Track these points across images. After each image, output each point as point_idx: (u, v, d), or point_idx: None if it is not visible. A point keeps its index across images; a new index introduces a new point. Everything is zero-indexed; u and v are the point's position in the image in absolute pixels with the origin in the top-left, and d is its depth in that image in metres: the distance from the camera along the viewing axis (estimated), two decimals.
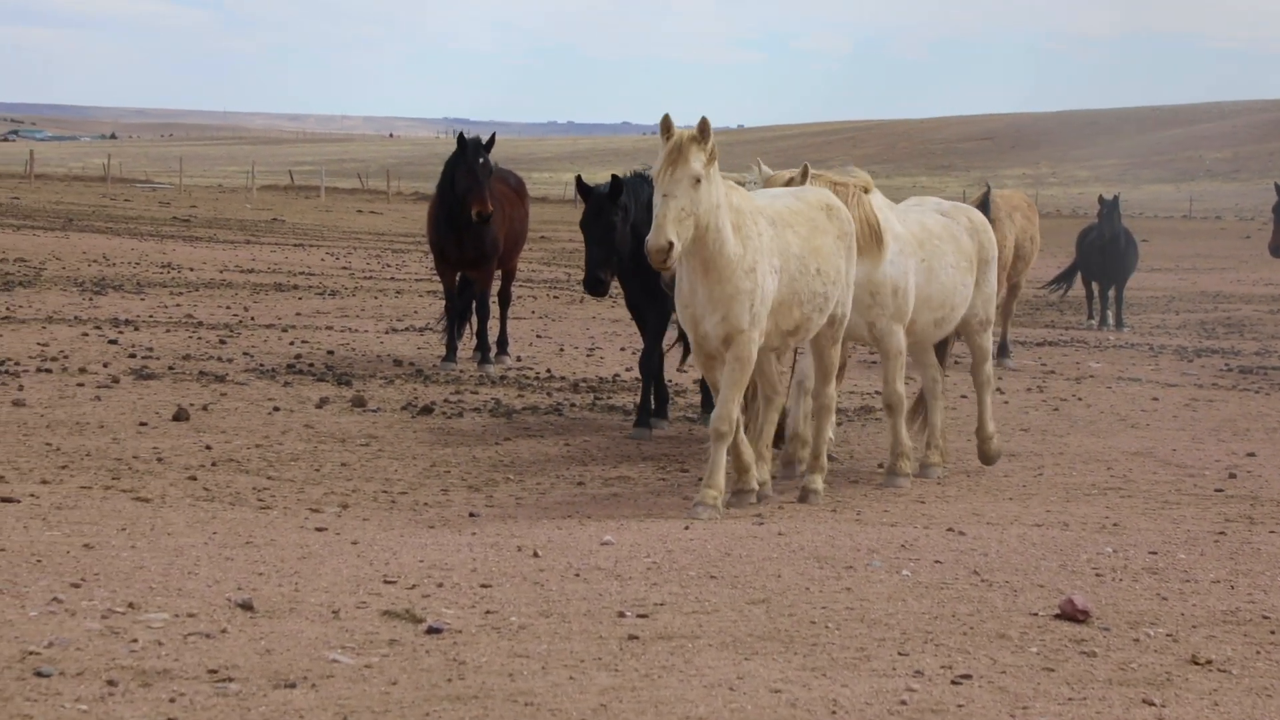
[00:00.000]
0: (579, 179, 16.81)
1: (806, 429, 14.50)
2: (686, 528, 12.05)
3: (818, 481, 13.74)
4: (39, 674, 7.65)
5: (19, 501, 11.83)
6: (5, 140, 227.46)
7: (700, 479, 13.08)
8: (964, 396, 21.14)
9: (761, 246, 12.51)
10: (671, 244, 11.80)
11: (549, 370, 22.41)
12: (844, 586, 10.16)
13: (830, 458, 14.89)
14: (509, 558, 10.77)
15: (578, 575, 10.30)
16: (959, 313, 14.96)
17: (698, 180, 12.02)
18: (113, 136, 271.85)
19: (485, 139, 21.22)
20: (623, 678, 8.07)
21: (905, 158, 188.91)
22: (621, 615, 9.24)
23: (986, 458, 15.60)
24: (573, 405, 18.89)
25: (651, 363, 17.11)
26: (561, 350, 25.05)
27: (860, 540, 11.66)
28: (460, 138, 21.07)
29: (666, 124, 12.26)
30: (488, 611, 9.28)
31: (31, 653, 7.98)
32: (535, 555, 10.84)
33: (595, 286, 15.73)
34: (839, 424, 18.15)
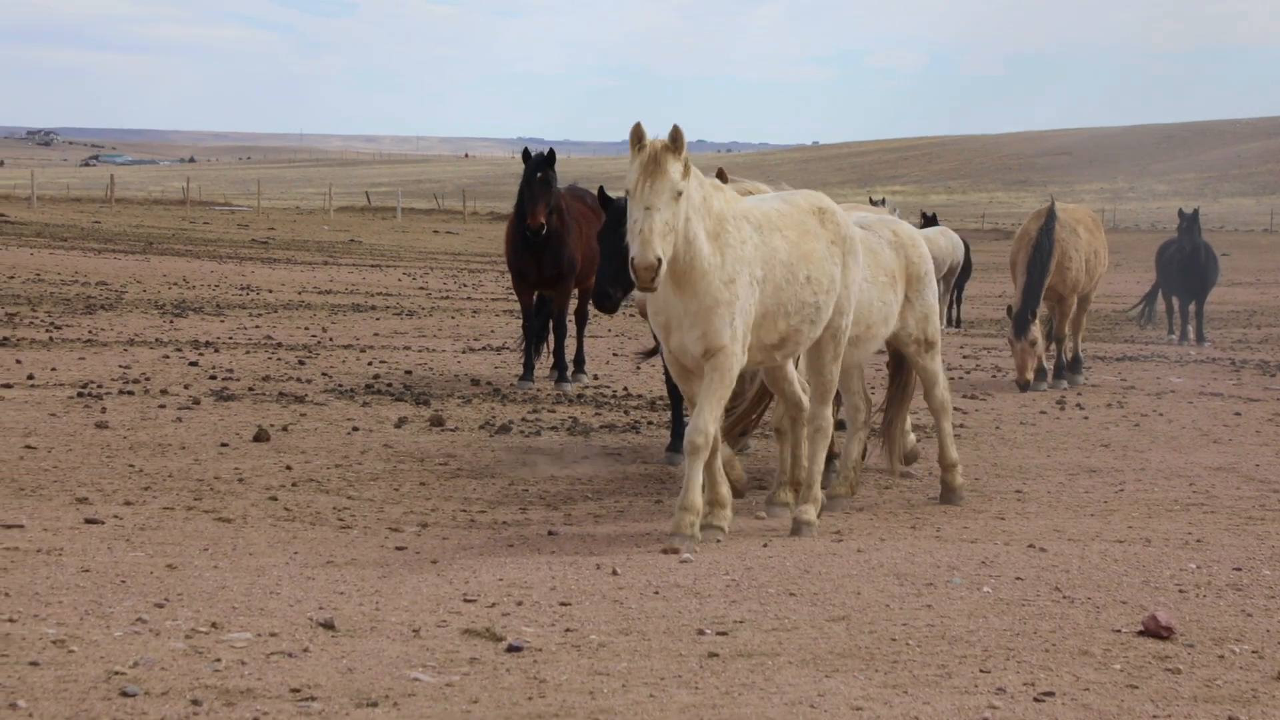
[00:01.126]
0: (600, 190, 16.45)
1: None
2: (765, 545, 12.03)
3: (810, 512, 12.82)
4: (124, 694, 7.72)
5: (103, 523, 11.94)
6: (87, 165, 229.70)
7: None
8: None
9: (743, 255, 11.76)
10: (660, 260, 11.06)
11: (625, 388, 22.43)
12: (924, 603, 10.11)
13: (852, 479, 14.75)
14: (588, 575, 10.78)
15: (657, 593, 10.30)
16: (878, 330, 13.85)
17: (679, 193, 11.31)
18: (191, 160, 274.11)
19: (546, 153, 21.17)
20: (703, 695, 8.06)
21: (981, 173, 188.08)
22: (701, 633, 9.24)
23: (949, 489, 14.44)
24: (649, 423, 18.90)
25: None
26: (638, 368, 25.08)
27: (940, 557, 11.61)
28: (525, 154, 21.04)
29: (638, 134, 11.50)
30: (567, 629, 9.29)
31: (117, 672, 8.05)
32: (614, 573, 10.85)
33: (603, 302, 14.69)
34: (917, 440, 18.07)
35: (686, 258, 11.45)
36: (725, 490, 12.37)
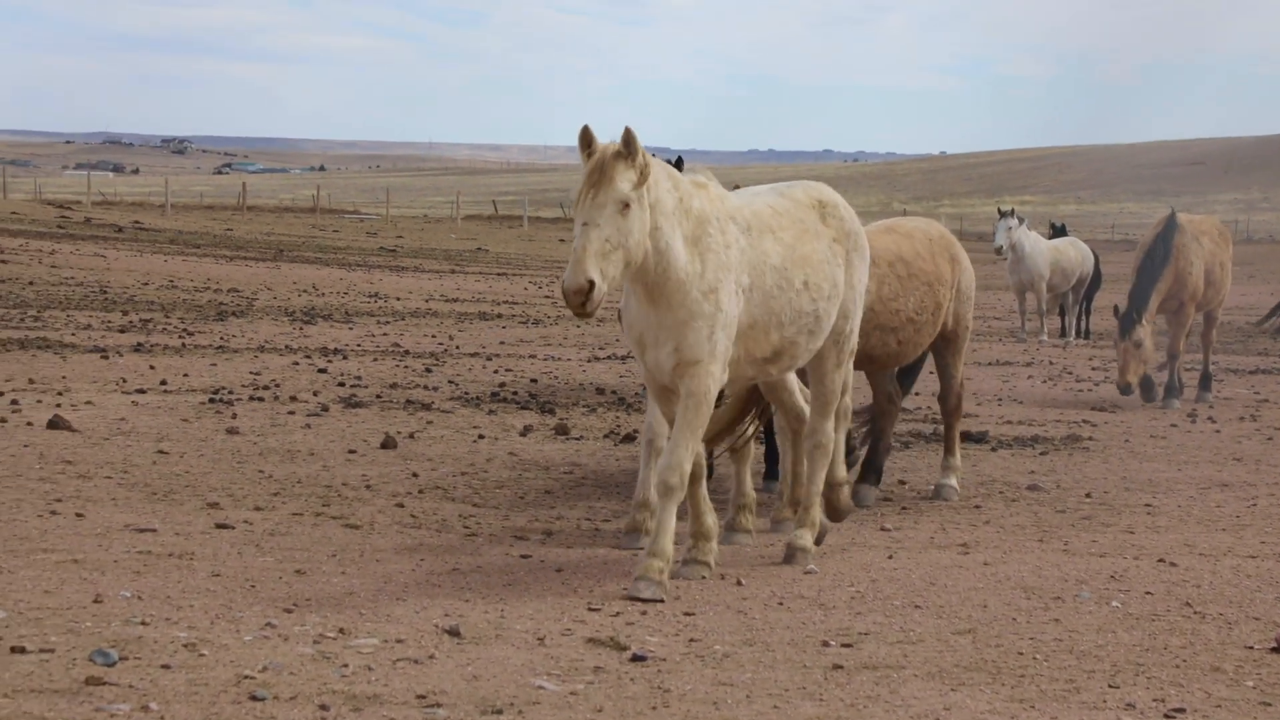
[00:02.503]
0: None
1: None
2: (890, 557, 11.97)
3: (806, 538, 11.76)
4: (254, 698, 7.80)
5: (234, 528, 12.08)
6: (219, 173, 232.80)
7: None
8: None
9: (728, 260, 10.50)
10: (592, 283, 9.76)
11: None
12: (1052, 617, 10.02)
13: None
14: (712, 585, 10.78)
15: (781, 604, 10.29)
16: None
17: (626, 205, 10.01)
18: (322, 168, 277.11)
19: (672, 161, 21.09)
20: (828, 708, 8.03)
21: (1113, 183, 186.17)
22: (826, 644, 9.20)
23: (833, 509, 12.54)
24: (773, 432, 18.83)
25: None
26: None
27: (1068, 571, 11.50)
28: None
29: (586, 138, 10.26)
30: (691, 639, 9.29)
31: (246, 676, 8.14)
32: (739, 583, 10.84)
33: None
34: (1044, 453, 17.92)
35: (659, 268, 10.27)
36: (710, 521, 11.07)
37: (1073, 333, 35.60)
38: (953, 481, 15.00)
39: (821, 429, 11.81)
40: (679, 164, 13.94)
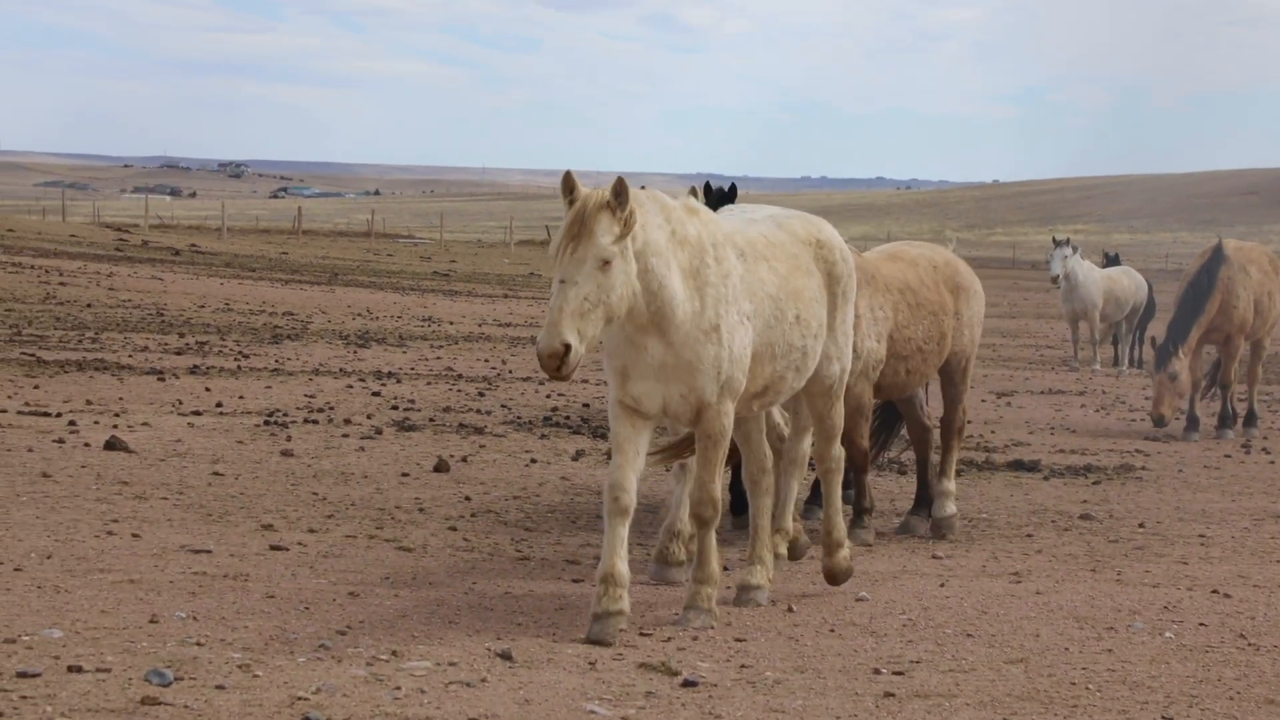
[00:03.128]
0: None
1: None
2: (942, 585, 11.95)
3: (841, 555, 11.55)
4: (307, 719, 7.85)
5: (288, 549, 12.15)
6: (275, 197, 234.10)
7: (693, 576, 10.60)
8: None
9: (725, 293, 9.90)
10: (568, 346, 9.15)
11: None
12: (1105, 648, 10.00)
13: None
14: (763, 612, 10.79)
15: (832, 631, 10.29)
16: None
17: (606, 262, 9.35)
18: (376, 193, 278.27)
19: (727, 188, 21.01)
20: None
21: (1166, 212, 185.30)
22: (877, 672, 9.20)
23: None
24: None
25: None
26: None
27: (1121, 601, 11.46)
28: (705, 188, 20.91)
29: (569, 184, 9.60)
30: (743, 666, 9.30)
31: (300, 698, 8.19)
32: (790, 610, 10.85)
33: None
34: (1097, 482, 17.86)
35: (653, 309, 9.66)
36: (715, 567, 10.48)
37: (1126, 362, 35.44)
38: (949, 508, 14.58)
39: (829, 454, 11.48)
40: (733, 192, 13.88)
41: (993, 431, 22.08)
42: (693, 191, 13.38)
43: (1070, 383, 31.24)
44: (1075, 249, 35.26)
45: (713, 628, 10.09)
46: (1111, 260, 39.07)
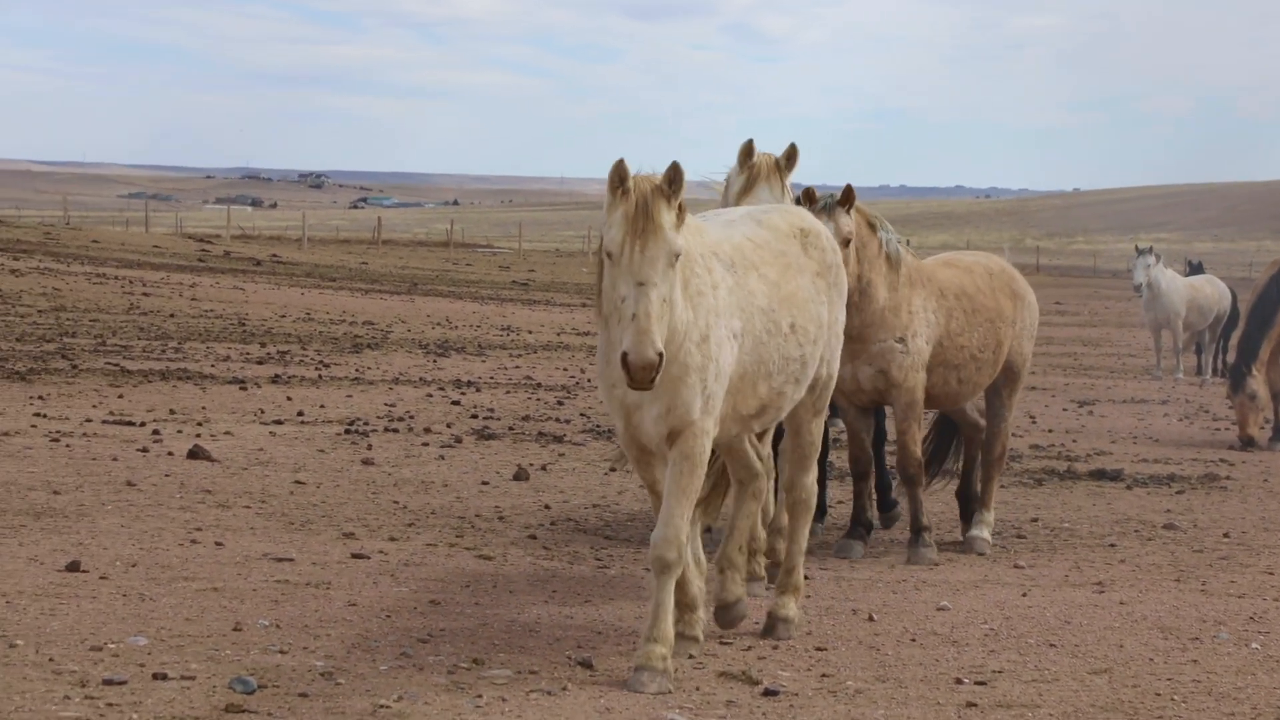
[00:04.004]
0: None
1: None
2: (1024, 594, 11.88)
3: (790, 606, 10.33)
4: None
5: (369, 558, 12.21)
6: (355, 207, 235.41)
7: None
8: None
9: (716, 304, 9.06)
10: (661, 356, 8.38)
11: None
12: (1190, 659, 9.91)
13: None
14: (844, 621, 10.76)
15: (914, 640, 10.24)
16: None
17: (677, 256, 8.62)
18: (455, 203, 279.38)
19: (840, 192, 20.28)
20: None
21: (1249, 220, 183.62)
22: (959, 682, 9.16)
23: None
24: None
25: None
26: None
27: (1206, 611, 11.36)
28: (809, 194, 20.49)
29: (620, 174, 8.72)
30: (823, 675, 9.28)
31: (382, 706, 8.23)
32: (870, 619, 10.81)
33: None
34: (1181, 492, 17.70)
35: None
36: (696, 589, 9.70)
37: (1209, 371, 35.13)
38: (985, 534, 14.12)
39: (801, 484, 10.36)
40: (849, 194, 13.50)
41: (1075, 440, 21.94)
42: (808, 195, 13.11)
43: (1153, 391, 31.00)
44: (1158, 257, 35.00)
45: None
46: (1195, 269, 38.76)
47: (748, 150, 10.95)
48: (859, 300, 12.94)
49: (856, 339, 13.10)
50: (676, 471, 8.97)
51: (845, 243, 12.88)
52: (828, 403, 10.45)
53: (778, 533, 11.86)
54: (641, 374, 8.33)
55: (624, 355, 8.34)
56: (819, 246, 10.07)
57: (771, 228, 9.94)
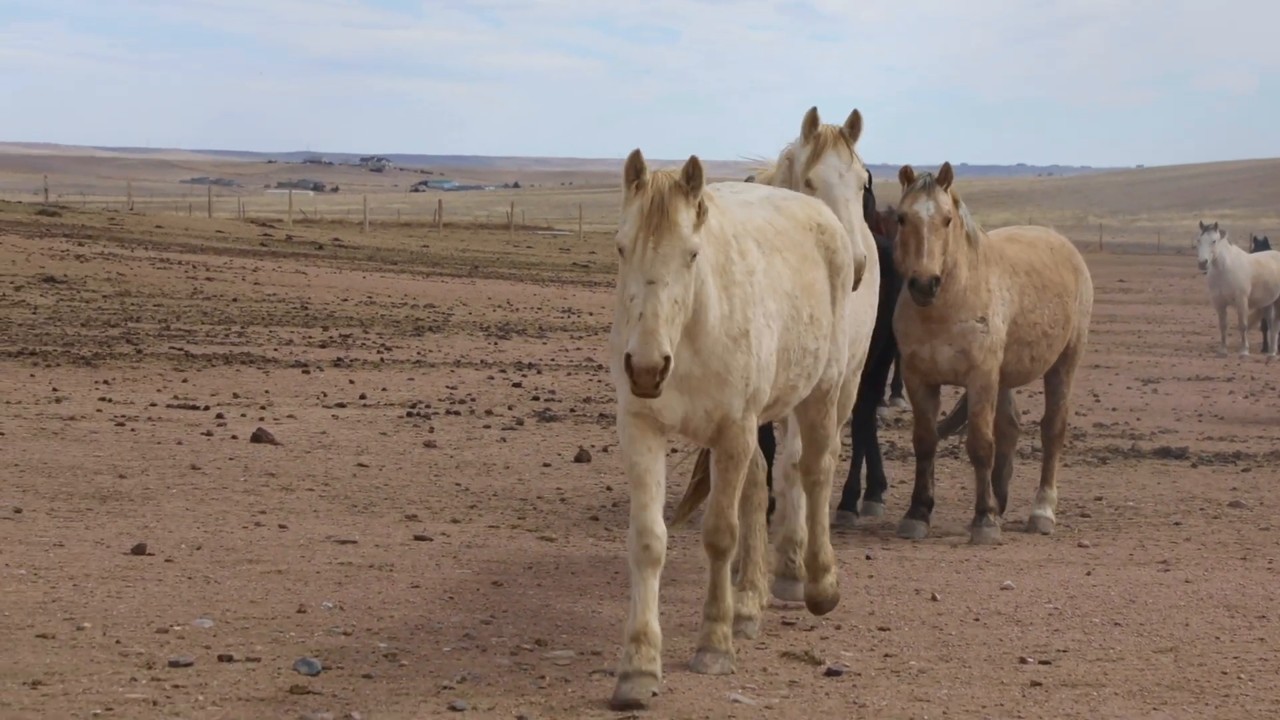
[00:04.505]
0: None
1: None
2: (1088, 573, 11.82)
3: (826, 582, 10.08)
4: (453, 708, 7.92)
5: (432, 540, 12.25)
6: (416, 190, 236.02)
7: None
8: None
9: (752, 293, 8.58)
10: (668, 360, 7.83)
11: (943, 412, 22.20)
12: (1256, 636, 9.85)
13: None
14: (907, 601, 10.73)
15: (977, 620, 10.21)
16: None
17: (693, 256, 8.07)
18: (515, 185, 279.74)
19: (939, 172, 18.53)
20: None
21: None
22: (1023, 661, 9.13)
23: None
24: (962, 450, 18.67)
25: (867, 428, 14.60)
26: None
27: (1273, 589, 11.28)
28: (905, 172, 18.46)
29: (636, 164, 8.28)
30: (886, 655, 9.26)
31: (446, 687, 8.26)
32: (933, 599, 10.78)
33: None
34: (1247, 469, 17.57)
35: (691, 316, 8.24)
36: (728, 604, 8.99)
37: (1275, 347, 34.85)
38: (1048, 513, 13.96)
39: (817, 465, 10.01)
40: (947, 173, 13.37)
41: (1139, 419, 21.80)
42: (905, 174, 13.01)
43: (1218, 369, 30.78)
44: (1223, 233, 34.75)
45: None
46: (1260, 245, 38.46)
47: (812, 119, 10.71)
48: (944, 281, 12.87)
49: (938, 319, 13.06)
50: (721, 470, 8.73)
51: (945, 222, 12.83)
52: (836, 402, 10.03)
53: (798, 545, 10.67)
54: (645, 378, 7.79)
55: (628, 357, 7.81)
56: (831, 246, 9.56)
57: (790, 216, 9.48)
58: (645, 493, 8.43)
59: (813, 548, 10.05)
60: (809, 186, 10.49)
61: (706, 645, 8.80)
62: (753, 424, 8.70)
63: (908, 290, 12.97)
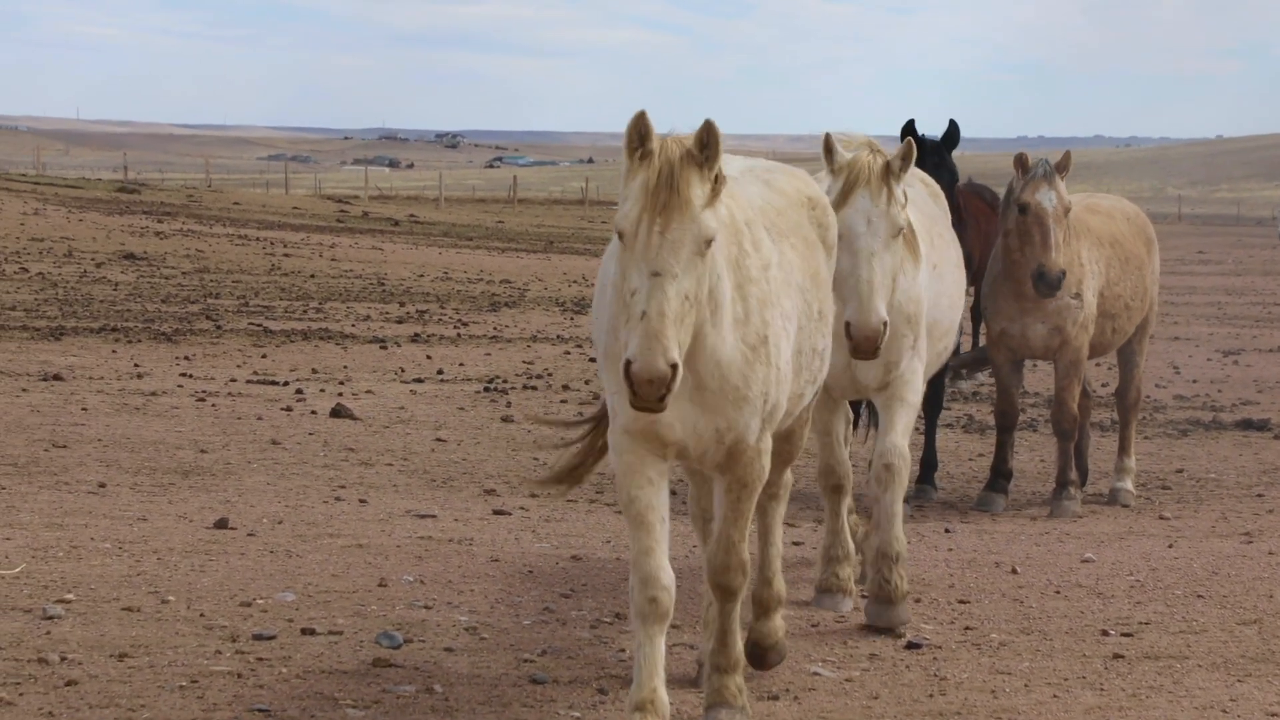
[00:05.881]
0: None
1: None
2: (1170, 545, 11.75)
3: (770, 626, 8.36)
4: (534, 680, 7.96)
5: (510, 514, 12.29)
6: (491, 166, 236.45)
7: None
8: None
9: (769, 291, 7.18)
10: (675, 368, 6.37)
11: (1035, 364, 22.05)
12: None
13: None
14: (987, 574, 10.69)
15: (1058, 592, 10.17)
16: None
17: (709, 242, 6.61)
18: (590, 161, 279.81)
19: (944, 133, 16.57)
20: (1109, 697, 7.93)
21: None
22: (1105, 634, 9.08)
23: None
24: (1046, 421, 18.58)
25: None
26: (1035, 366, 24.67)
27: None
28: (909, 128, 13.39)
29: (640, 129, 6.75)
30: (966, 628, 9.23)
31: (526, 660, 8.30)
32: (1014, 572, 10.73)
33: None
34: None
35: (699, 321, 6.75)
36: (739, 651, 7.63)
37: None
38: (1128, 484, 13.89)
39: (778, 479, 8.48)
40: (1067, 160, 13.10)
41: (1220, 390, 21.61)
42: (1020, 161, 12.82)
43: None
44: None
45: None
46: None
47: (828, 147, 9.10)
48: None
49: (1033, 297, 12.89)
50: (734, 498, 7.36)
51: (1066, 211, 12.67)
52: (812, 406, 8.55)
53: (895, 561, 9.35)
54: (647, 389, 6.37)
55: (627, 364, 6.40)
56: (824, 222, 8.17)
57: (781, 192, 8.01)
58: (648, 534, 7.09)
59: (765, 574, 8.41)
60: None
61: (719, 701, 7.48)
62: (768, 446, 7.34)
63: (1033, 283, 12.70)
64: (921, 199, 10.11)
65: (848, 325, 8.67)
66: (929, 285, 9.59)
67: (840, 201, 8.92)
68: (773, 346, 7.10)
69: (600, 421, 8.90)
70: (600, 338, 7.42)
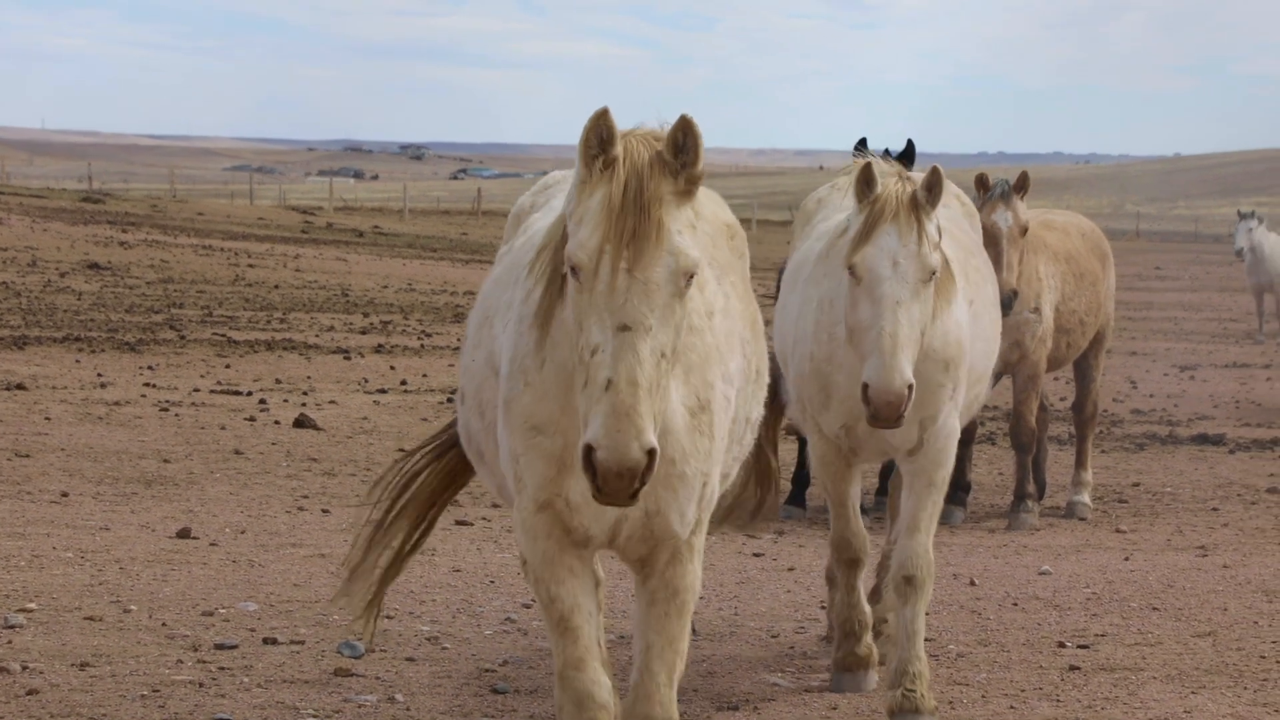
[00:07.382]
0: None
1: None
2: (1126, 558, 11.85)
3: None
4: (495, 690, 8.02)
5: (472, 524, 12.34)
6: (455, 178, 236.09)
7: None
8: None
9: (711, 343, 5.67)
10: (652, 454, 4.97)
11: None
12: None
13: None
14: (945, 586, 10.76)
15: (1015, 604, 10.25)
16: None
17: (690, 277, 5.17)
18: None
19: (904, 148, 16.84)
20: (1065, 709, 8.01)
21: None
22: (1062, 645, 9.17)
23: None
24: (1005, 435, 18.68)
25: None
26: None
27: None
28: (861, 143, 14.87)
29: (601, 131, 5.28)
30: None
31: (487, 670, 8.36)
32: (971, 584, 10.82)
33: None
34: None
35: None
36: None
37: None
38: (1085, 498, 13.94)
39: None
40: (1025, 180, 13.01)
41: (1176, 405, 21.77)
42: (980, 181, 12.62)
43: (1255, 356, 30.68)
44: (1261, 221, 34.64)
45: None
46: None
47: (867, 178, 7.70)
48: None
49: None
50: (661, 614, 5.75)
51: (1024, 231, 12.70)
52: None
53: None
54: (616, 483, 4.98)
55: (587, 449, 4.99)
56: (744, 253, 6.64)
57: (705, 218, 5.80)
58: (575, 643, 5.70)
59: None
60: (850, 273, 7.63)
61: None
62: (701, 545, 5.77)
63: None
64: (955, 223, 8.62)
65: (865, 388, 7.30)
66: (968, 325, 8.14)
67: (862, 239, 7.57)
68: (716, 414, 5.62)
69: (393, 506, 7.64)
70: (472, 383, 6.22)
